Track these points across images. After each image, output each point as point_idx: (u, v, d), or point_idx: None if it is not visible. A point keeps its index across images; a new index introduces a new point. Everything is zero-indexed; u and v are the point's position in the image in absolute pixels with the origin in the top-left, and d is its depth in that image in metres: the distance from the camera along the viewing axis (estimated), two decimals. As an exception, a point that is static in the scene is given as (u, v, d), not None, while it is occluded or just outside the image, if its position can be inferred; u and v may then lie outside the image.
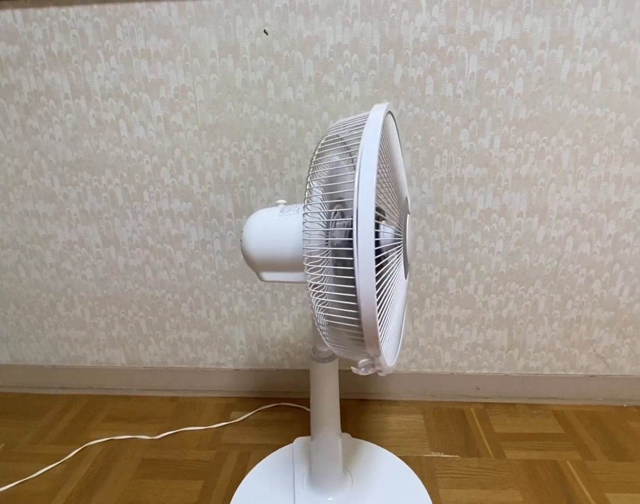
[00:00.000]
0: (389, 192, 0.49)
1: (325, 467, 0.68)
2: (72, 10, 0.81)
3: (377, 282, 0.43)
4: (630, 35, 0.76)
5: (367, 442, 0.85)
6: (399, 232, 0.50)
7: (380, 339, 0.45)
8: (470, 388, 0.99)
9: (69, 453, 0.86)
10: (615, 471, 0.78)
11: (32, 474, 0.81)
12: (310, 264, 0.48)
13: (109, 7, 0.80)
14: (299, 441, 0.83)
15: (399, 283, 0.52)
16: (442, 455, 0.83)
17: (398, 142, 0.58)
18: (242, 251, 0.58)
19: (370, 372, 0.49)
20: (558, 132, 0.82)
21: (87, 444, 0.88)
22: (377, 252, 0.45)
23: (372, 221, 0.42)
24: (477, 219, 0.88)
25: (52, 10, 0.81)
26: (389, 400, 1.00)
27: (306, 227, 0.48)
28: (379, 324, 0.45)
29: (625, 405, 0.96)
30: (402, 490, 0.74)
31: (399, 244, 0.50)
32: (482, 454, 0.83)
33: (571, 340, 0.94)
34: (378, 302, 0.44)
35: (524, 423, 0.91)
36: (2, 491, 0.78)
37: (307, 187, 0.50)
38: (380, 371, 0.49)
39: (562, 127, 0.81)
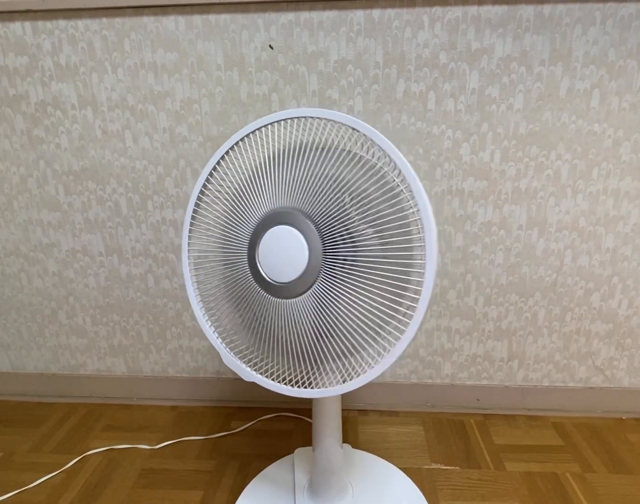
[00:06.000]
0: (241, 204, 0.56)
1: (326, 478, 0.69)
2: (80, 23, 0.82)
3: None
4: (627, 54, 0.78)
5: (368, 453, 0.85)
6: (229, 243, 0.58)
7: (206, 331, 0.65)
8: (471, 399, 0.99)
9: (68, 462, 0.86)
10: (615, 483, 0.78)
11: (31, 483, 0.81)
12: None
13: (117, 21, 0.82)
14: (299, 451, 0.83)
15: (250, 298, 0.58)
16: (443, 466, 0.83)
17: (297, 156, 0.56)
18: None
19: None
20: (557, 147, 0.83)
21: (86, 454, 0.88)
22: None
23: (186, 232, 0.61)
24: (478, 231, 0.89)
25: (61, 22, 0.83)
26: (389, 411, 1.00)
27: None
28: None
29: (624, 417, 0.96)
30: (403, 502, 0.74)
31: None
32: (482, 465, 0.83)
33: (570, 352, 0.95)
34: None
35: (523, 435, 0.91)
36: (1, 500, 0.77)
37: None
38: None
39: (562, 142, 0.83)
